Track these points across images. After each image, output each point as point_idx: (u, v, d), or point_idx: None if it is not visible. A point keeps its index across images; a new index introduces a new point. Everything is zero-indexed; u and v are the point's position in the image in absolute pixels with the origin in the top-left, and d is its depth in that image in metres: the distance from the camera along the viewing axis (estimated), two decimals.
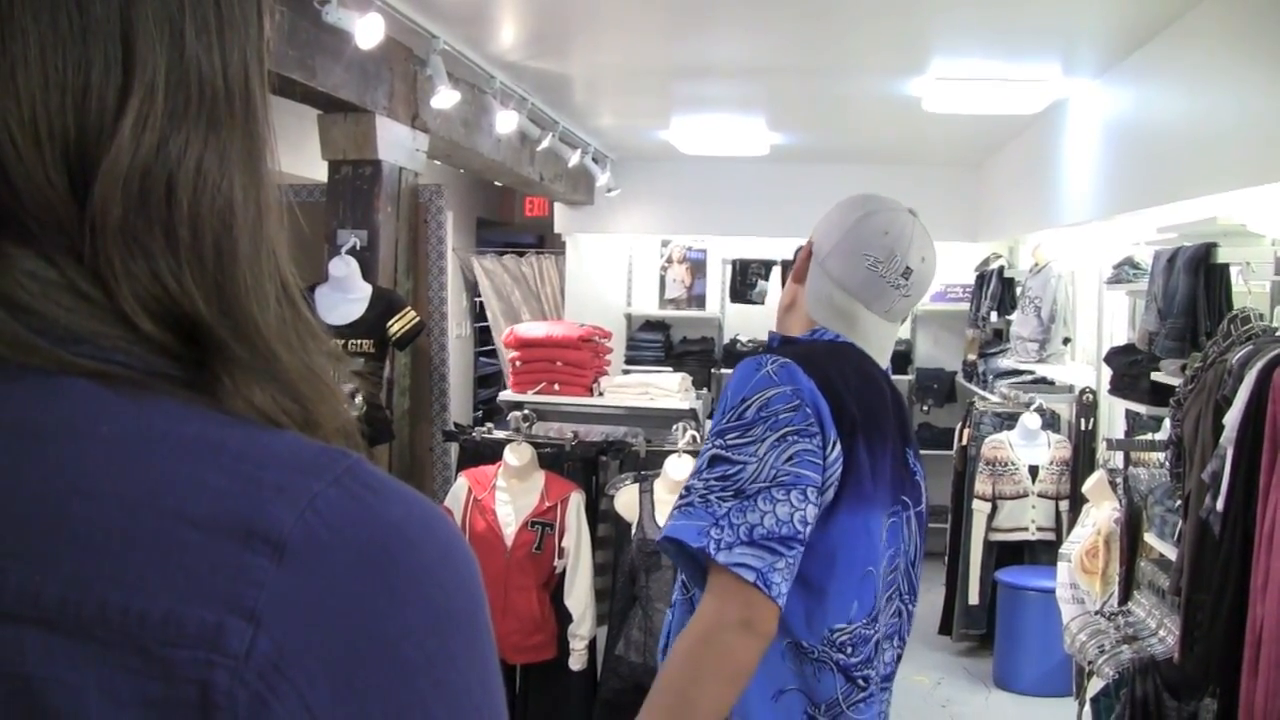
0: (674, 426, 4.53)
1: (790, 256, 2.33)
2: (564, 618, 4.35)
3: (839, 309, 2.02)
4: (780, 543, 1.73)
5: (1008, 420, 6.60)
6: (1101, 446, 5.78)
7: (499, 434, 4.74)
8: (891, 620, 1.96)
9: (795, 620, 1.81)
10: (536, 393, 5.54)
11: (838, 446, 1.82)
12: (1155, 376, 4.27)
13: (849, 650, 1.85)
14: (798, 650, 1.83)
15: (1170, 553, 3.97)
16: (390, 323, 4.63)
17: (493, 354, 10.52)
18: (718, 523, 1.74)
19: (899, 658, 2.01)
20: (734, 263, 8.99)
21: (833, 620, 1.84)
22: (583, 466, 4.59)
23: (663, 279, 9.47)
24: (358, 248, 4.76)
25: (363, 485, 0.56)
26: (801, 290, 2.08)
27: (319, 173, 5.12)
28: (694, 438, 4.47)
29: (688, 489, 1.82)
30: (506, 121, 5.71)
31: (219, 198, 0.60)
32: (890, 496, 1.94)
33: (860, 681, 1.87)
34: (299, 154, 5.50)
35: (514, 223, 11.57)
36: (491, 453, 4.54)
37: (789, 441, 1.78)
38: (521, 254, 10.42)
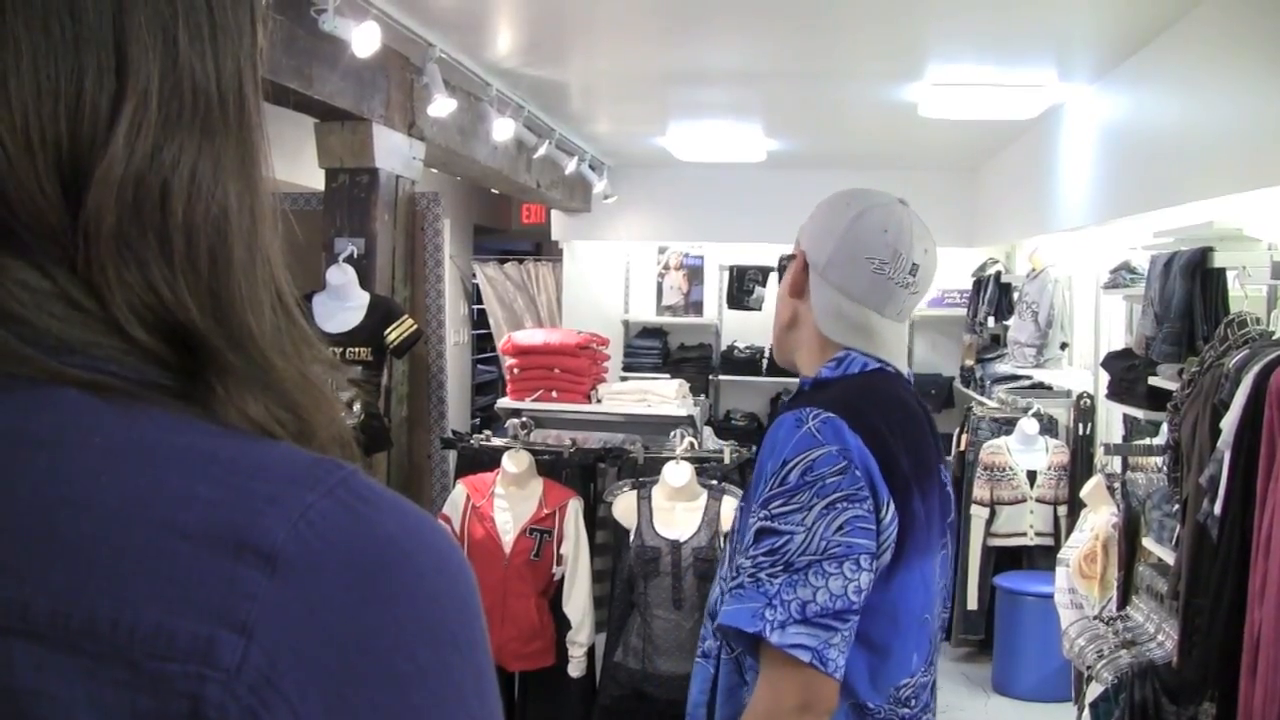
0: (672, 433, 4.54)
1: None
2: (562, 625, 4.35)
3: (852, 321, 1.89)
4: (835, 617, 1.65)
5: (1005, 425, 6.60)
6: (1099, 451, 5.78)
7: (497, 441, 4.74)
8: (938, 649, 1.92)
9: (859, 682, 1.73)
10: (534, 400, 5.54)
11: (892, 507, 1.71)
12: (1152, 381, 4.27)
13: (912, 703, 1.80)
14: (862, 711, 1.76)
15: (1168, 557, 3.97)
16: (388, 330, 4.63)
17: (490, 361, 10.53)
18: (770, 603, 1.65)
19: None
20: (731, 269, 8.99)
21: (897, 677, 1.78)
22: (581, 473, 4.59)
23: (660, 286, 9.48)
24: (355, 256, 4.76)
25: (357, 497, 0.55)
26: (803, 305, 1.94)
27: (316, 181, 5.12)
28: (691, 444, 4.47)
29: (738, 569, 1.72)
30: (503, 129, 5.72)
31: (213, 205, 0.60)
32: (941, 531, 1.87)
33: None
34: (296, 162, 5.50)
35: (511, 230, 11.58)
36: (489, 460, 4.53)
37: (838, 509, 1.66)
38: (520, 261, 10.43)
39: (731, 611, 1.69)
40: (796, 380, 2.01)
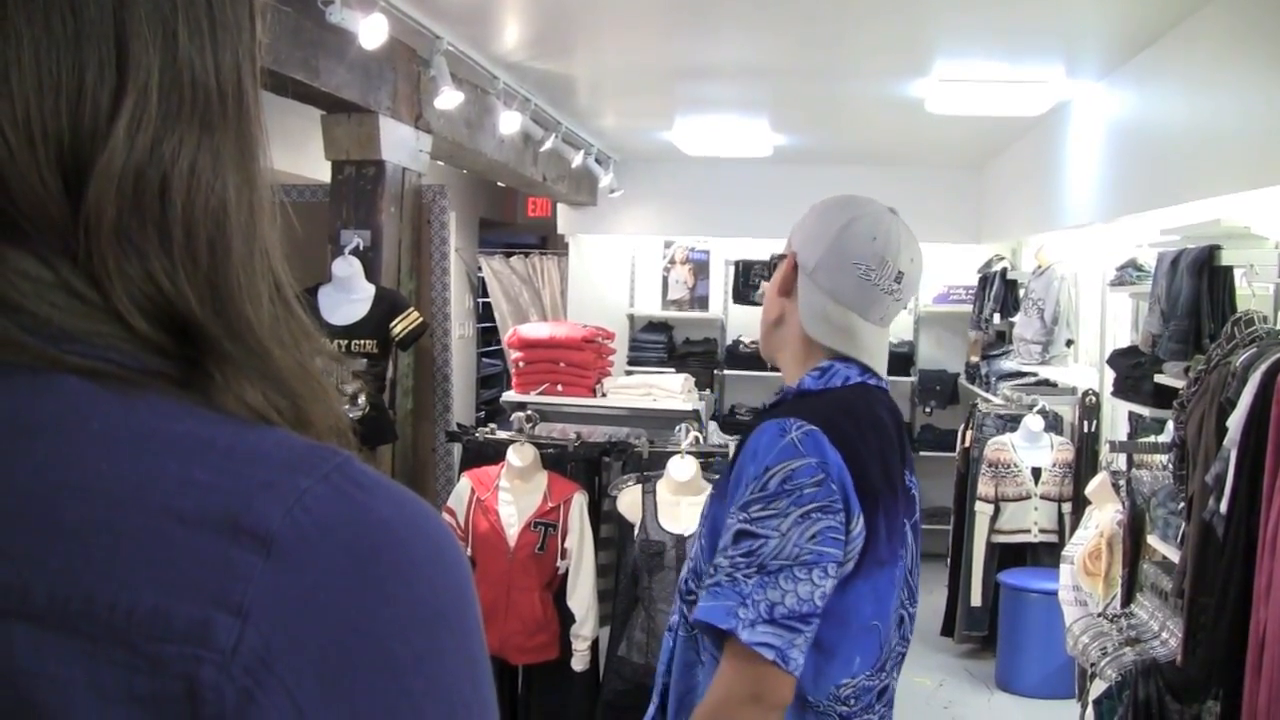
0: (677, 427, 4.53)
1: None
2: (567, 618, 4.35)
3: (836, 324, 1.97)
4: (800, 620, 1.73)
5: (1010, 422, 6.60)
6: (1104, 449, 5.77)
7: (502, 434, 4.74)
8: (897, 649, 1.96)
9: (805, 678, 1.81)
10: (539, 393, 5.54)
11: (861, 521, 1.80)
12: (1158, 379, 4.27)
13: (851, 702, 1.86)
14: (803, 704, 1.83)
15: (1173, 555, 3.97)
16: (393, 323, 4.63)
17: (495, 354, 10.54)
18: (744, 601, 1.73)
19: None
20: (737, 264, 8.84)
21: (838, 677, 1.85)
22: (585, 467, 4.60)
23: (665, 280, 9.47)
24: (361, 248, 4.77)
25: (352, 482, 0.56)
26: (790, 304, 2.03)
27: (322, 173, 5.12)
28: (696, 439, 4.47)
29: (715, 566, 1.79)
30: (510, 122, 5.72)
31: (212, 198, 0.61)
32: (901, 541, 1.93)
33: None
34: (302, 154, 5.50)
35: (516, 223, 11.59)
36: (494, 453, 4.54)
37: (813, 519, 1.75)
38: (526, 255, 10.44)
39: (708, 608, 1.77)
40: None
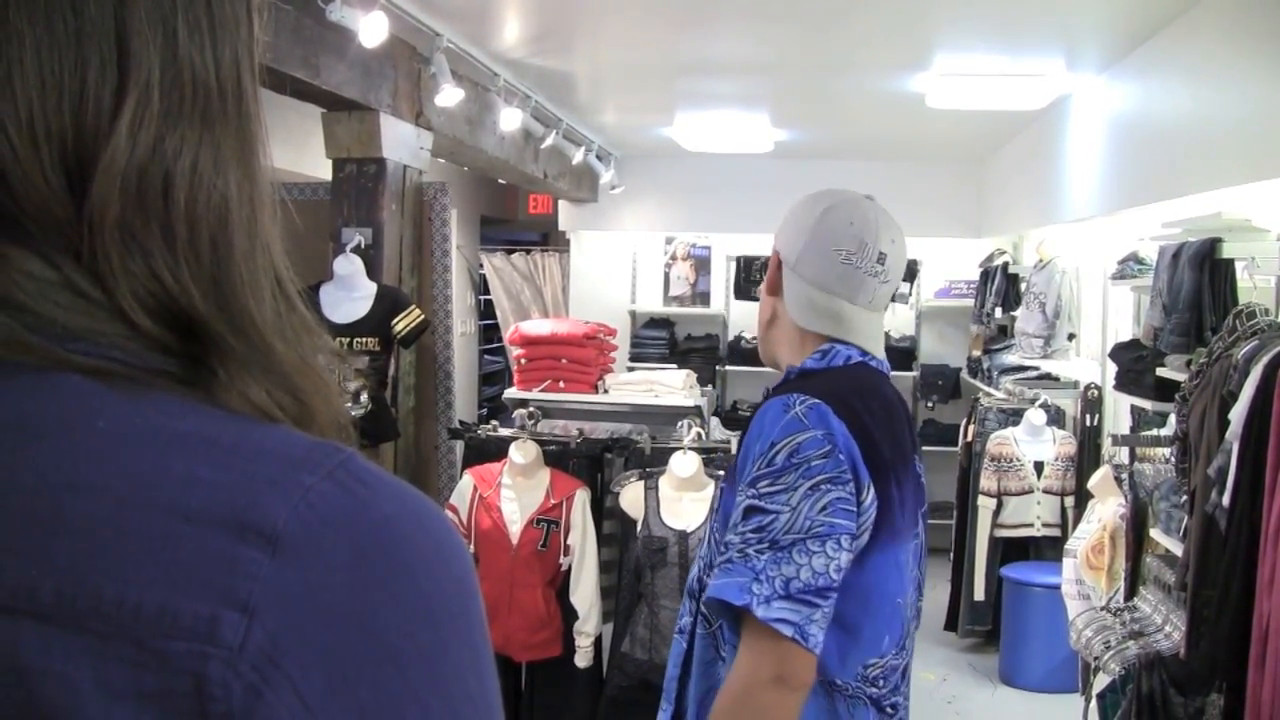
0: (679, 423, 4.53)
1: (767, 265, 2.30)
2: (570, 615, 4.35)
3: (822, 309, 1.98)
4: (816, 594, 1.71)
5: (1013, 416, 6.60)
6: (1107, 442, 5.77)
7: (504, 431, 4.75)
8: (912, 635, 1.97)
9: (830, 659, 1.79)
10: (542, 390, 5.54)
11: (871, 491, 1.79)
12: (1160, 372, 4.27)
13: (880, 683, 1.86)
14: (831, 688, 1.82)
15: (1176, 548, 3.97)
16: (395, 321, 4.63)
17: (497, 352, 10.54)
18: (757, 577, 1.72)
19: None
20: (738, 259, 8.98)
21: (866, 656, 1.84)
22: (588, 464, 4.60)
23: (667, 276, 9.48)
24: (362, 246, 4.77)
25: (356, 479, 0.57)
26: (779, 302, 2.04)
27: (323, 171, 5.12)
28: (699, 434, 4.47)
29: (727, 544, 1.78)
30: (510, 119, 5.72)
31: (214, 195, 0.61)
32: (914, 520, 1.93)
33: (889, 709, 1.88)
34: (303, 152, 5.50)
35: (517, 220, 11.59)
36: (497, 450, 4.54)
37: (822, 490, 1.74)
38: (527, 252, 10.44)
39: (720, 585, 1.75)
40: None
